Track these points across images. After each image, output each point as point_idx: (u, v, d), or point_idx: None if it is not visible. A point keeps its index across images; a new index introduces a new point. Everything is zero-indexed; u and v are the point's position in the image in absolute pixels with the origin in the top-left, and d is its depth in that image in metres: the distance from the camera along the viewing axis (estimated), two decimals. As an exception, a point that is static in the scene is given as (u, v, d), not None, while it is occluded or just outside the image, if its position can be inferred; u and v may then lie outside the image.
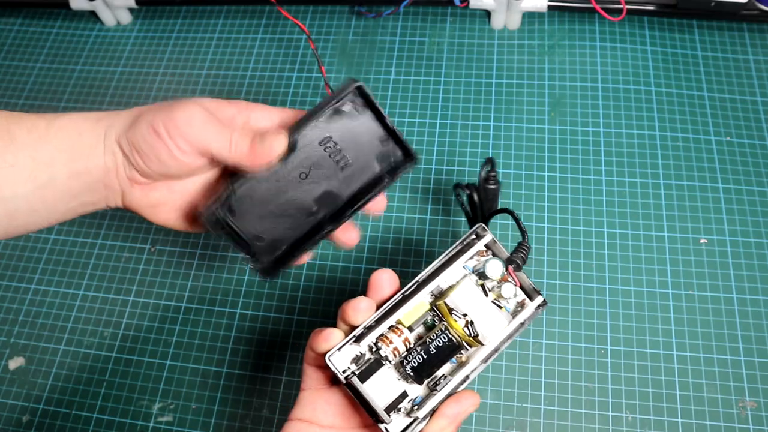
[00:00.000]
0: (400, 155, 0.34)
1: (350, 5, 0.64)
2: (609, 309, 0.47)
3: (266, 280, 0.49)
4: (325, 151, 0.33)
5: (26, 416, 0.48)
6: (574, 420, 0.44)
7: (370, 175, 0.34)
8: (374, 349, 0.31)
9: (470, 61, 0.60)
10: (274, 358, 0.48)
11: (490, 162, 0.38)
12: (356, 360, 0.31)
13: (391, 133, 0.33)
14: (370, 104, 0.33)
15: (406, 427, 0.30)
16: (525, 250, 0.34)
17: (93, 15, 0.68)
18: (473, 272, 0.33)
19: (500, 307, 0.32)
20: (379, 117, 0.33)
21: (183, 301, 0.51)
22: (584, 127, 0.55)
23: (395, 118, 0.57)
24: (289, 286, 0.51)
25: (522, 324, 0.32)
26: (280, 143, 0.32)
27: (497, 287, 0.32)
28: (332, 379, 0.33)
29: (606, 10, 0.56)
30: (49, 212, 0.33)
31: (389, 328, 0.31)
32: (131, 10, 0.67)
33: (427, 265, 0.33)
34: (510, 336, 0.31)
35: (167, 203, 0.35)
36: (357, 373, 0.30)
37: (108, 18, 0.67)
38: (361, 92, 0.32)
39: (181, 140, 0.32)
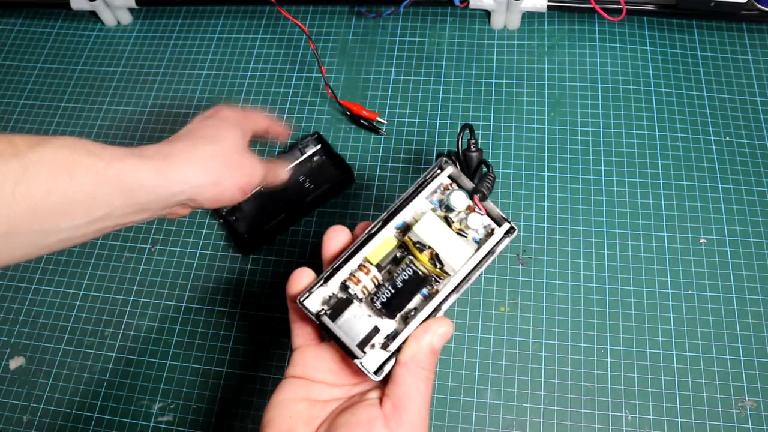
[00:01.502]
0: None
1: (350, 5, 0.64)
2: (609, 309, 0.47)
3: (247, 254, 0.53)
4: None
5: (26, 416, 0.48)
6: (574, 420, 0.44)
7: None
8: (344, 289, 0.31)
9: (470, 61, 0.60)
10: (274, 358, 0.48)
11: (467, 128, 0.40)
12: (327, 301, 0.31)
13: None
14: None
15: (384, 363, 0.30)
16: (490, 180, 0.34)
17: (93, 15, 0.68)
18: (440, 206, 0.33)
19: (465, 237, 0.32)
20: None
21: (183, 301, 0.51)
22: (584, 127, 0.55)
23: (395, 118, 0.57)
24: (289, 286, 0.51)
25: (491, 252, 0.32)
26: (285, 174, 0.46)
27: (465, 219, 0.32)
28: (320, 335, 0.33)
29: (606, 10, 0.56)
30: (99, 234, 0.35)
31: (358, 267, 0.32)
32: (131, 10, 0.67)
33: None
34: (479, 265, 0.31)
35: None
36: (328, 312, 0.30)
37: (108, 18, 0.67)
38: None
39: (254, 189, 0.43)
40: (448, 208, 0.33)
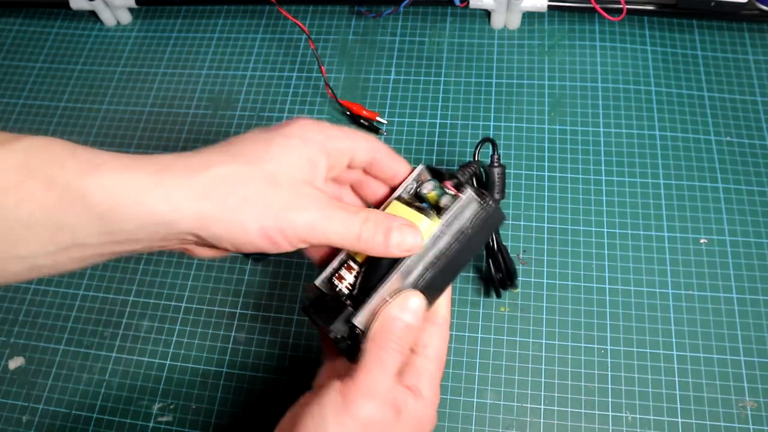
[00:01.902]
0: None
1: (350, 5, 0.64)
2: (609, 309, 0.47)
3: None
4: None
5: (26, 416, 0.48)
6: (574, 420, 0.44)
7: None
8: (333, 288, 0.33)
9: (470, 61, 0.60)
10: (274, 358, 0.48)
11: (488, 141, 0.39)
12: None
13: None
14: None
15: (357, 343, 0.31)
16: (472, 168, 0.35)
17: (93, 15, 0.68)
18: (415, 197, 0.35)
19: (428, 211, 0.33)
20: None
21: (183, 301, 0.51)
22: (584, 127, 0.55)
23: (395, 118, 0.57)
24: (289, 285, 0.51)
25: (456, 218, 0.32)
26: (416, 241, 0.30)
27: (423, 193, 0.34)
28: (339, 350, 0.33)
29: (606, 10, 0.56)
30: (78, 265, 0.28)
31: (344, 267, 0.33)
32: (131, 10, 0.67)
33: None
34: (440, 235, 0.32)
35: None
36: (309, 304, 0.33)
37: (108, 18, 0.67)
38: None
39: (298, 242, 0.28)
40: (420, 197, 0.34)
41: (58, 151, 0.26)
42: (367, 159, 0.32)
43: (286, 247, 0.28)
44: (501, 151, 0.55)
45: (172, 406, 0.47)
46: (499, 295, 0.47)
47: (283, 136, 0.29)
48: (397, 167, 0.34)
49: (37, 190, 0.25)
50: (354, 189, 0.36)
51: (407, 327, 0.30)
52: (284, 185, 0.28)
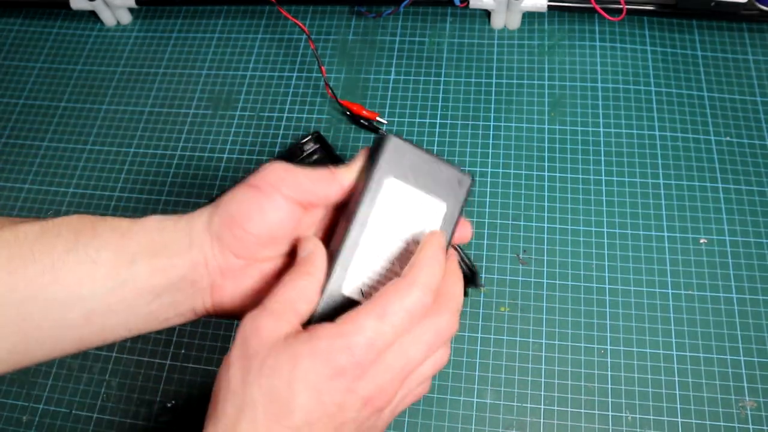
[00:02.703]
0: None
1: (350, 5, 0.64)
2: (609, 309, 0.47)
3: None
4: None
5: (26, 416, 0.48)
6: (574, 420, 0.44)
7: None
8: None
9: (470, 61, 0.60)
10: (274, 358, 0.48)
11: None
12: None
13: None
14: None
15: None
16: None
17: (93, 15, 0.68)
18: None
19: None
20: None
21: (183, 301, 0.51)
22: (584, 127, 0.55)
23: (395, 118, 0.57)
24: (289, 286, 0.51)
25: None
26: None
27: None
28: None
29: (606, 10, 0.56)
30: (128, 313, 0.31)
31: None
32: (131, 10, 0.67)
33: None
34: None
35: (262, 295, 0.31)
36: None
37: (108, 18, 0.67)
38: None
39: (285, 188, 0.30)
40: None
41: (110, 218, 0.32)
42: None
43: (282, 197, 0.31)
44: (501, 151, 0.55)
45: (172, 406, 0.47)
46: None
47: (265, 196, 0.31)
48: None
49: (104, 231, 0.31)
50: None
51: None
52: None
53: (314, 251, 0.30)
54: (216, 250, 0.31)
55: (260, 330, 0.27)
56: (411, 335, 0.27)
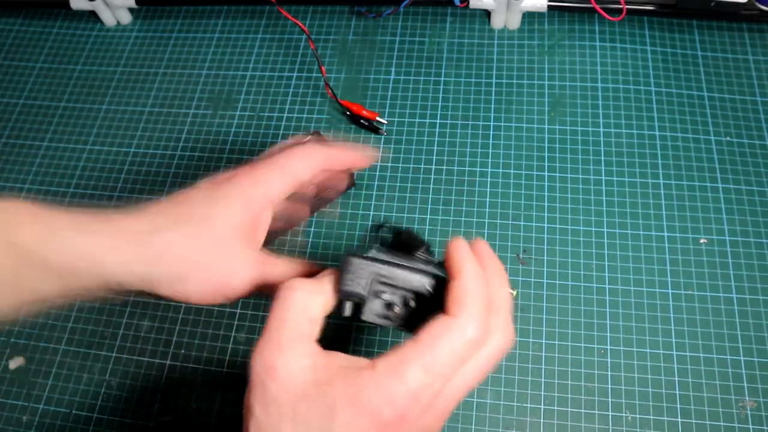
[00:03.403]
0: None
1: (350, 5, 0.64)
2: (609, 309, 0.47)
3: None
4: None
5: (26, 416, 0.48)
6: (574, 420, 0.44)
7: None
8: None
9: (470, 61, 0.60)
10: (274, 358, 0.48)
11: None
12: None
13: None
14: None
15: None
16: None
17: (93, 15, 0.68)
18: None
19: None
20: None
21: (183, 301, 0.51)
22: (584, 127, 0.55)
23: (395, 118, 0.57)
24: (289, 286, 0.51)
25: None
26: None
27: None
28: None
29: (606, 10, 0.56)
30: (34, 310, 0.31)
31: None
32: (131, 10, 0.67)
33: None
34: None
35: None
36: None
37: (108, 18, 0.67)
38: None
39: (236, 298, 0.32)
40: None
41: (18, 217, 0.28)
42: (314, 174, 0.33)
43: (231, 299, 0.32)
44: (501, 151, 0.55)
45: (172, 406, 0.47)
46: None
47: (225, 198, 0.31)
48: (349, 158, 0.35)
49: (0, 254, 0.27)
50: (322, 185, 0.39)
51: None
52: (228, 245, 0.30)
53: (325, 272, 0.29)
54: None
55: (277, 371, 0.25)
56: (461, 373, 0.25)
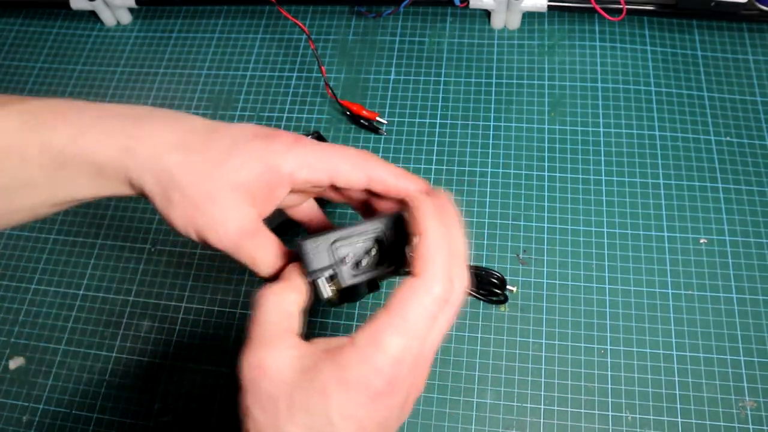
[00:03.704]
0: None
1: (350, 5, 0.64)
2: (609, 309, 0.47)
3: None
4: None
5: (26, 416, 0.48)
6: (574, 420, 0.44)
7: None
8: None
9: (470, 61, 0.60)
10: (274, 358, 0.48)
11: None
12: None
13: None
14: None
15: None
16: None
17: (93, 15, 0.68)
18: None
19: None
20: None
21: (183, 301, 0.51)
22: (584, 127, 0.55)
23: (395, 118, 0.57)
24: (289, 286, 0.51)
25: None
26: None
27: None
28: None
29: (606, 10, 0.56)
30: (69, 207, 0.31)
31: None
32: (131, 10, 0.67)
33: None
34: None
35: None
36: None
37: (108, 18, 0.67)
38: None
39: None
40: None
41: (51, 115, 0.29)
42: (353, 185, 0.31)
43: (204, 244, 0.31)
44: (501, 151, 0.55)
45: (172, 406, 0.47)
46: (502, 301, 0.48)
47: (248, 153, 0.29)
48: (402, 185, 0.31)
49: (34, 153, 0.28)
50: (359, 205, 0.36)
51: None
52: (223, 196, 0.29)
53: (290, 269, 0.30)
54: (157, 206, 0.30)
55: (265, 369, 0.26)
56: (434, 328, 0.26)
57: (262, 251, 0.31)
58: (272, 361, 0.26)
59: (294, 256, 0.32)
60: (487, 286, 0.47)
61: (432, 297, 0.25)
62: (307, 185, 0.31)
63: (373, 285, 0.32)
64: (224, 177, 0.29)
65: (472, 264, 0.49)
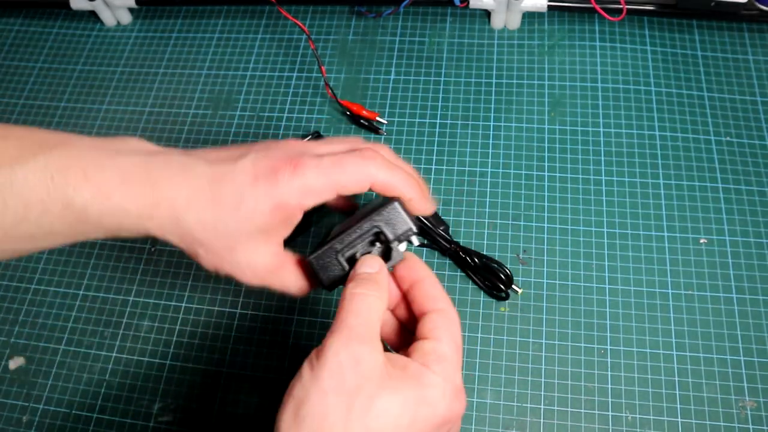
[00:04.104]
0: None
1: (350, 5, 0.64)
2: (609, 309, 0.47)
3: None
4: None
5: (26, 416, 0.48)
6: (574, 420, 0.44)
7: None
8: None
9: (470, 61, 0.60)
10: (274, 358, 0.48)
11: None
12: None
13: None
14: None
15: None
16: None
17: (93, 15, 0.68)
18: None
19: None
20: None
21: (183, 301, 0.51)
22: (584, 127, 0.55)
23: (395, 118, 0.57)
24: (289, 286, 0.51)
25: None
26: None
27: None
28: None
29: (606, 10, 0.56)
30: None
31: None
32: (131, 10, 0.67)
33: None
34: None
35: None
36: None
37: (108, 18, 0.67)
38: None
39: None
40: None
41: (73, 173, 0.30)
42: (359, 191, 0.32)
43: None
44: (501, 151, 0.55)
45: (172, 406, 0.47)
46: (503, 298, 0.48)
47: (259, 193, 0.31)
48: (411, 192, 0.33)
49: (58, 210, 0.30)
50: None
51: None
52: (244, 241, 0.32)
53: (379, 270, 0.32)
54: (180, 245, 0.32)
55: (361, 363, 0.28)
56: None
57: (290, 279, 0.34)
58: (367, 356, 0.28)
59: (306, 264, 0.34)
60: (492, 278, 0.47)
61: (458, 322, 0.32)
62: (317, 204, 0.32)
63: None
64: (239, 228, 0.31)
65: (485, 254, 0.50)
